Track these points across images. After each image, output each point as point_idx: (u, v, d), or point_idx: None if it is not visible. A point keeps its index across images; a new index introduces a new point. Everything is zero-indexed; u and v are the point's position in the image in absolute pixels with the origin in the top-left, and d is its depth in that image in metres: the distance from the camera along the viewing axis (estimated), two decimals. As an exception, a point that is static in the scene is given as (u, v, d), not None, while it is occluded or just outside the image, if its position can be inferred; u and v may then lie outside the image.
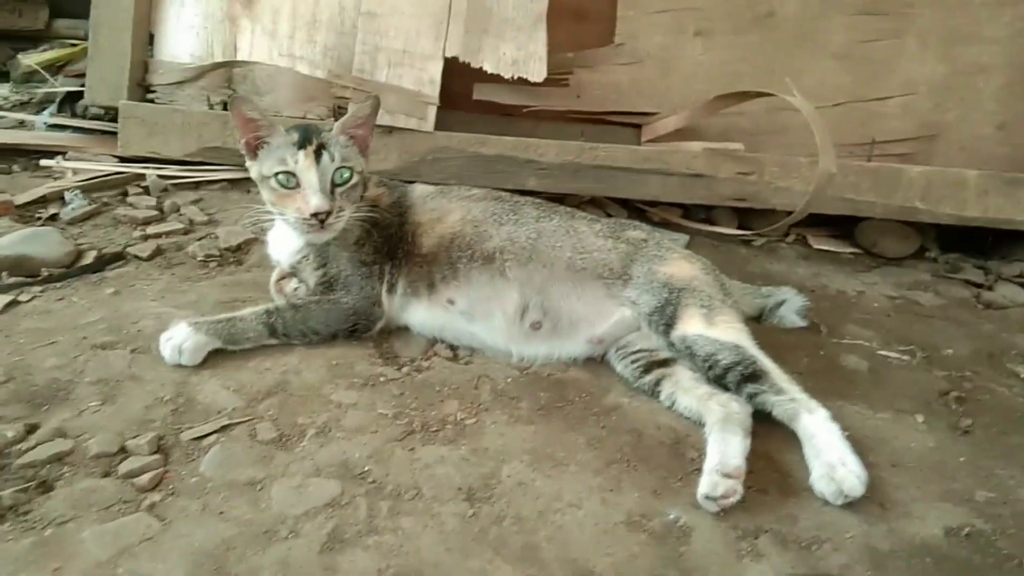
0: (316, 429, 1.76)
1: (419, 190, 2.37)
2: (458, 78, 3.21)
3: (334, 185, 2.06)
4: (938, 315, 2.73)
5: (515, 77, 3.12)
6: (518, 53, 3.12)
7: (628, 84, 3.37)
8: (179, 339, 1.93)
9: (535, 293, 2.09)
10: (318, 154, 2.03)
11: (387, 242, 2.20)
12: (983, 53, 3.25)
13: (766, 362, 1.93)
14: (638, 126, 3.39)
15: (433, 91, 3.11)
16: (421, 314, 2.17)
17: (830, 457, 1.69)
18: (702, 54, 3.36)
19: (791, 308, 2.45)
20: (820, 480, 1.67)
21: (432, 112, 3.12)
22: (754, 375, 1.89)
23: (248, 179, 3.23)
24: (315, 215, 2.01)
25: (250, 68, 3.29)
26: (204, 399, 1.83)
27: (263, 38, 3.28)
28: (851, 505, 1.64)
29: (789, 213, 3.01)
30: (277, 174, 2.05)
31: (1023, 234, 3.15)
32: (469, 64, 3.13)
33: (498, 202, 2.28)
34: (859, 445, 1.83)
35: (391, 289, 2.18)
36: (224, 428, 1.74)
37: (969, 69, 3.27)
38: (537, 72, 3.11)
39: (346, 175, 2.08)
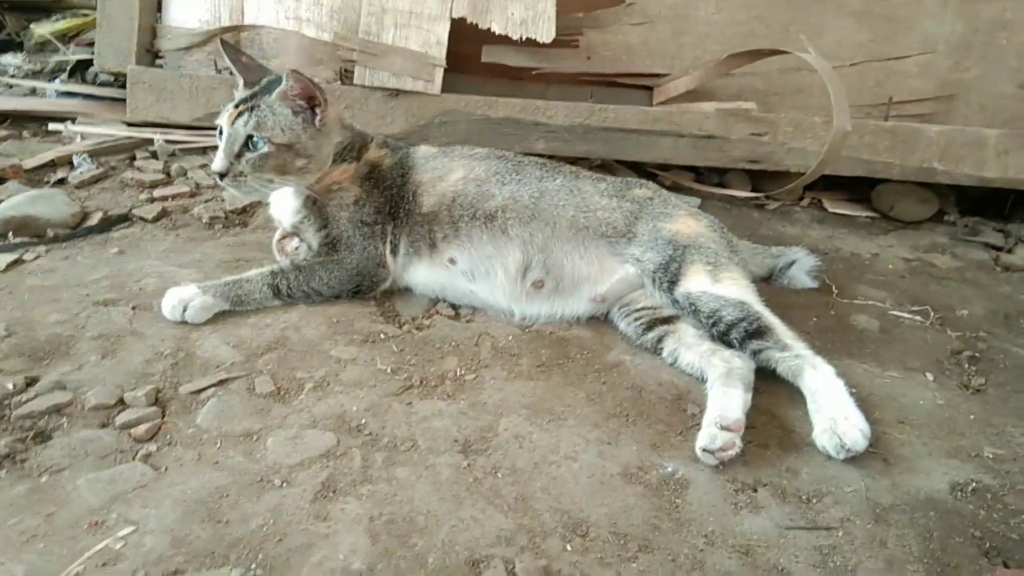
0: (314, 383, 1.75)
1: (422, 151, 2.34)
2: (467, 41, 3.16)
3: (246, 148, 2.04)
4: (954, 277, 2.67)
5: (523, 38, 3.07)
6: (526, 13, 3.06)
7: (639, 45, 3.30)
8: (186, 298, 1.94)
9: (537, 251, 2.07)
10: (239, 115, 2.05)
11: (388, 202, 2.18)
12: (1006, 9, 3.15)
13: (771, 318, 1.90)
14: (650, 88, 3.32)
15: (440, 53, 3.07)
16: (423, 274, 2.15)
17: (833, 411, 1.66)
18: (715, 13, 3.28)
19: (801, 268, 2.40)
20: (822, 434, 1.64)
21: (439, 74, 3.08)
22: (758, 331, 1.86)
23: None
24: (214, 171, 2.05)
25: (257, 32, 3.26)
26: (204, 354, 1.83)
27: (270, 1, 3.25)
28: (854, 460, 1.61)
29: (804, 175, 2.95)
30: (217, 124, 2.12)
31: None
32: (477, 25, 3.08)
33: (501, 161, 2.25)
34: (866, 402, 1.80)
35: (394, 250, 2.17)
36: (222, 382, 1.74)
37: (991, 26, 3.17)
38: (546, 32, 3.06)
39: (255, 143, 2.04)
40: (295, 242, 2.21)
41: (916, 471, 1.61)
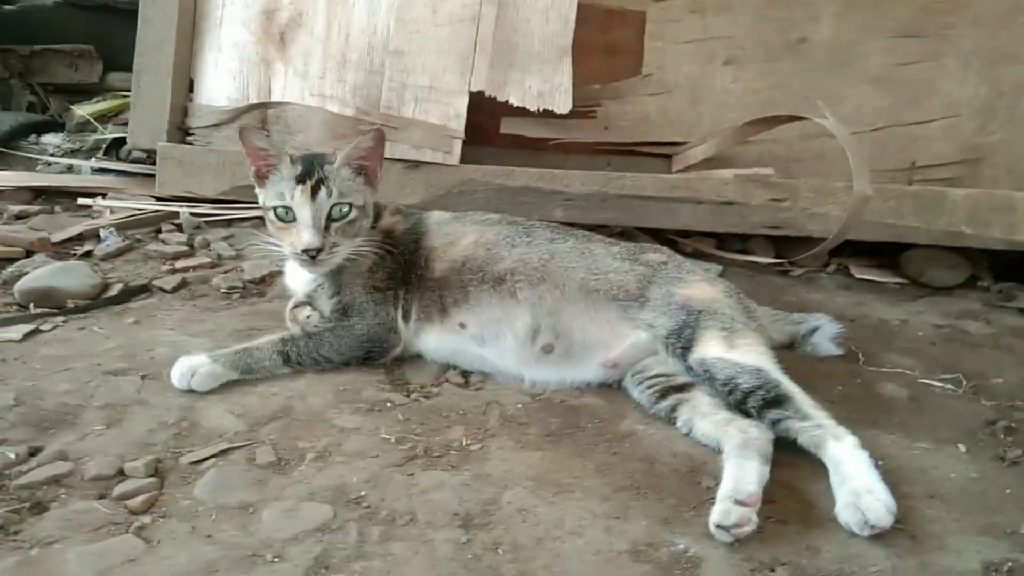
0: (315, 453, 1.72)
1: (435, 216, 2.35)
2: (487, 113, 3.22)
3: (330, 220, 2.05)
4: (988, 344, 2.56)
5: (541, 109, 3.11)
6: (543, 86, 3.12)
7: (657, 114, 3.33)
8: (195, 366, 1.93)
9: (546, 315, 2.04)
10: (315, 189, 2.03)
11: (400, 268, 2.18)
12: (1029, 70, 3.12)
13: (790, 386, 1.82)
14: (668, 157, 3.33)
15: (459, 125, 3.12)
16: (433, 339, 2.14)
17: (856, 485, 1.57)
18: (732, 82, 3.30)
19: (825, 335, 2.32)
20: (845, 509, 1.54)
21: (458, 146, 3.12)
22: (777, 400, 1.78)
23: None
24: (306, 251, 2.02)
25: (283, 109, 3.36)
26: (208, 423, 1.81)
27: (295, 79, 3.36)
28: (879, 537, 1.51)
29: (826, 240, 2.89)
30: (276, 207, 2.07)
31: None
32: (495, 98, 3.14)
33: (512, 226, 2.25)
34: (893, 475, 1.70)
35: (405, 315, 2.16)
36: (224, 452, 1.71)
37: (1014, 89, 3.14)
38: (563, 104, 3.10)
39: (344, 210, 2.07)
40: (307, 310, 2.21)
41: (946, 549, 1.50)
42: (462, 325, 2.09)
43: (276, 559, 1.41)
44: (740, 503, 1.51)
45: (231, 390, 1.95)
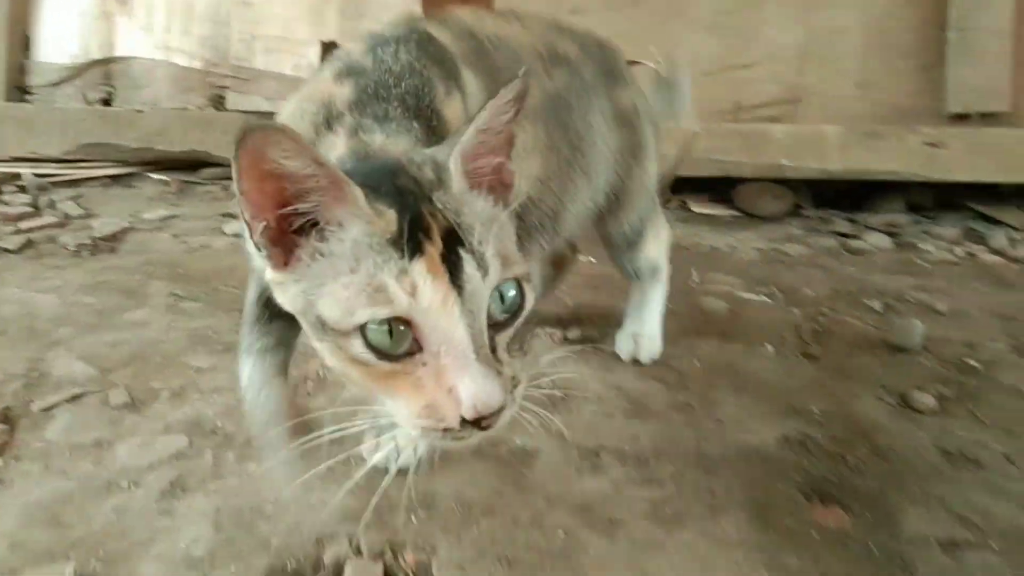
0: (170, 392, 1.77)
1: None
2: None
3: (495, 326, 0.94)
4: (804, 263, 2.86)
5: (393, 58, 3.16)
6: (394, 36, 3.17)
7: (507, 62, 3.44)
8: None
9: None
10: (452, 264, 0.88)
11: None
12: (838, 16, 3.43)
13: (663, 260, 2.06)
14: (519, 104, 3.46)
15: (311, 76, 3.14)
16: None
17: (644, 329, 1.97)
18: (577, 30, 3.45)
19: None
20: (624, 336, 1.96)
21: (312, 97, 3.14)
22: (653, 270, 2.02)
23: (132, 174, 3.25)
24: (479, 420, 0.90)
25: (128, 63, 3.27)
26: (58, 372, 1.82)
27: (139, 33, 3.27)
28: (689, 421, 1.73)
29: (662, 177, 3.11)
30: (369, 326, 0.89)
31: (888, 186, 3.32)
32: (347, 49, 3.17)
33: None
34: (706, 374, 1.93)
35: None
36: (76, 397, 1.73)
37: (826, 32, 3.45)
38: (414, 53, 3.16)
39: (513, 297, 0.95)
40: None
41: (747, 429, 1.73)
42: None
43: (132, 485, 1.47)
44: None
45: (79, 339, 1.96)
